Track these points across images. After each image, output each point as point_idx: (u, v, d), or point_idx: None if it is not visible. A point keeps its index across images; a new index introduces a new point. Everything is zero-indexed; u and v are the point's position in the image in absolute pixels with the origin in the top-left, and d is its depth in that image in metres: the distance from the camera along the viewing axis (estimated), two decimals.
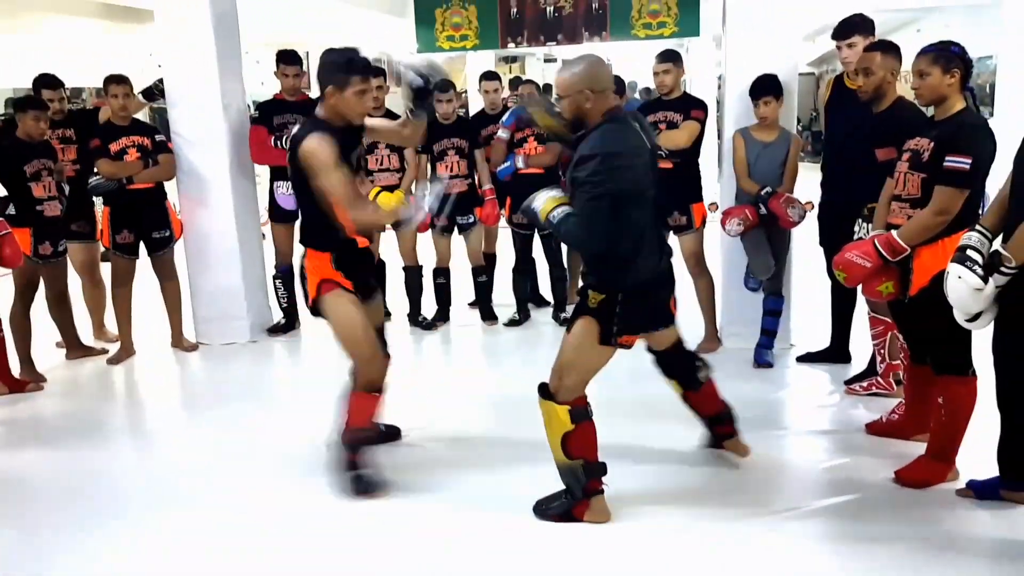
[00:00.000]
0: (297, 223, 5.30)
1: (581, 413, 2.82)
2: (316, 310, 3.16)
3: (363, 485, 3.16)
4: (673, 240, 4.75)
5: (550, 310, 5.62)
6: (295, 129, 3.08)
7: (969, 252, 2.63)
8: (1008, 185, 2.70)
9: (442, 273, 5.52)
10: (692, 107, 4.58)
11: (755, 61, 4.44)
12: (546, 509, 2.97)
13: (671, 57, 4.65)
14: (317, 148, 2.88)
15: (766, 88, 4.24)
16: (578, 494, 2.89)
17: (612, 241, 2.67)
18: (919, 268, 2.95)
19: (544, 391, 2.86)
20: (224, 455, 3.66)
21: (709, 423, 3.34)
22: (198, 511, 3.16)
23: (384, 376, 3.19)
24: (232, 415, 4.13)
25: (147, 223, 4.93)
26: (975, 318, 2.65)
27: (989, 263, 2.59)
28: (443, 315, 5.61)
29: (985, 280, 2.57)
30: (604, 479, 2.90)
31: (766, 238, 4.32)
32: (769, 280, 4.38)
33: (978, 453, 3.04)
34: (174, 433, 4.07)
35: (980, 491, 2.94)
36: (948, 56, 2.90)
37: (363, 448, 3.20)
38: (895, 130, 3.34)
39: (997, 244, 2.66)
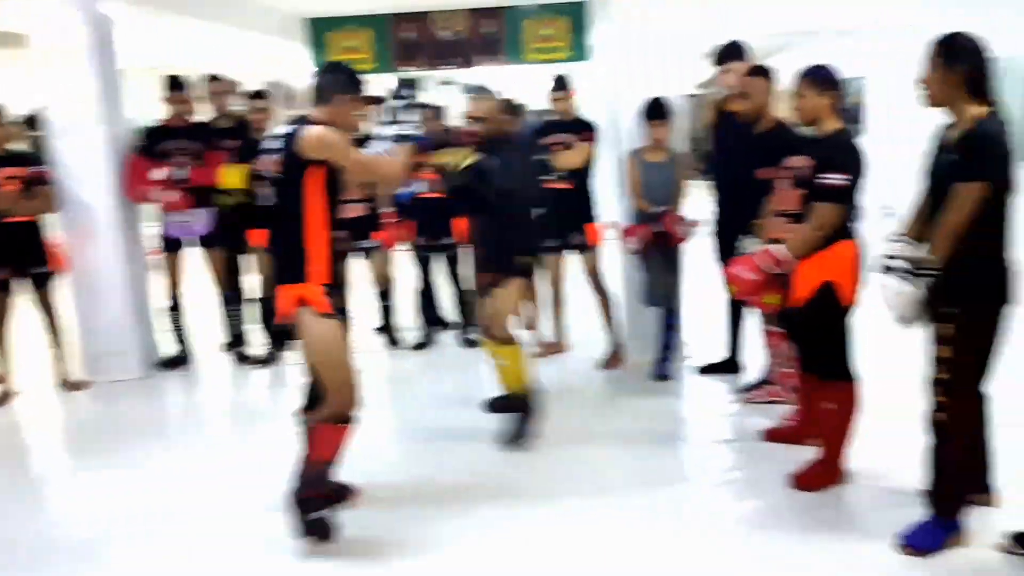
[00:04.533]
0: (183, 251, 5.17)
1: None
2: (285, 329, 2.97)
3: (323, 529, 2.91)
4: (573, 259, 4.88)
5: (449, 333, 5.62)
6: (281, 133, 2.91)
7: (893, 261, 2.67)
8: (922, 194, 2.75)
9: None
10: (584, 129, 4.72)
11: (646, 84, 4.59)
12: None
13: (565, 82, 4.78)
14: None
15: (656, 111, 4.39)
16: None
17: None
18: (800, 280, 3.09)
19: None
20: (120, 503, 3.46)
21: None
22: (97, 567, 2.98)
23: (357, 404, 2.94)
24: (128, 457, 3.92)
25: (25, 257, 4.67)
26: (908, 321, 2.67)
27: (915, 268, 2.62)
28: None
29: (911, 283, 2.60)
30: None
31: (662, 255, 4.45)
32: (666, 295, 4.51)
33: (867, 452, 3.20)
34: (65, 481, 3.84)
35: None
36: (822, 78, 3.07)
37: (325, 485, 2.95)
38: (776, 149, 3.50)
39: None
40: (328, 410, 2.89)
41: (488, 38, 7.06)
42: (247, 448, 3.99)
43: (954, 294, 2.56)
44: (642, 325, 4.79)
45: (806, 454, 3.32)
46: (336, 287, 2.94)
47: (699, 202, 4.57)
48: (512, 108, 5.09)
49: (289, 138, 2.81)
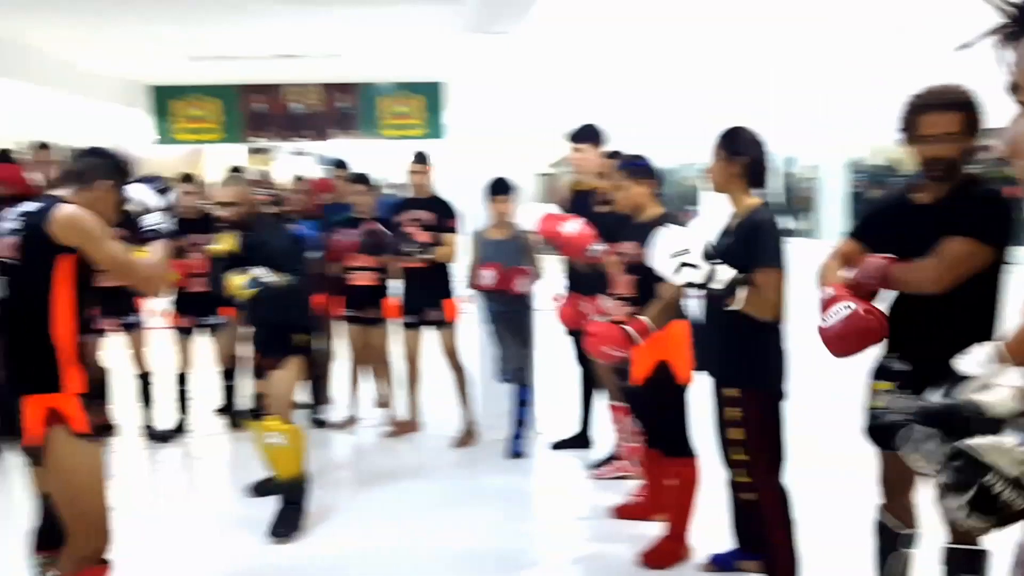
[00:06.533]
0: None
1: None
2: (36, 452, 2.37)
3: None
4: (431, 335, 4.82)
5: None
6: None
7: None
8: None
9: (184, 378, 5.13)
10: (442, 210, 4.74)
11: (497, 162, 4.67)
12: None
13: (423, 158, 4.85)
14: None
15: (498, 188, 4.48)
16: None
17: None
18: (636, 360, 3.18)
19: None
20: None
21: None
22: None
23: (110, 542, 2.48)
24: None
25: None
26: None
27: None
28: (183, 424, 5.19)
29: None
30: None
31: (515, 329, 4.48)
32: (519, 371, 4.52)
33: (713, 528, 3.27)
34: None
35: (721, 564, 3.12)
36: (636, 168, 3.23)
37: None
38: (621, 228, 3.58)
39: None
40: (79, 553, 2.40)
41: (343, 112, 7.06)
42: None
43: (737, 376, 2.66)
44: (497, 402, 4.77)
45: (654, 530, 3.35)
46: (95, 397, 2.57)
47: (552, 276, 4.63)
48: (362, 180, 5.08)
49: (35, 217, 2.34)
